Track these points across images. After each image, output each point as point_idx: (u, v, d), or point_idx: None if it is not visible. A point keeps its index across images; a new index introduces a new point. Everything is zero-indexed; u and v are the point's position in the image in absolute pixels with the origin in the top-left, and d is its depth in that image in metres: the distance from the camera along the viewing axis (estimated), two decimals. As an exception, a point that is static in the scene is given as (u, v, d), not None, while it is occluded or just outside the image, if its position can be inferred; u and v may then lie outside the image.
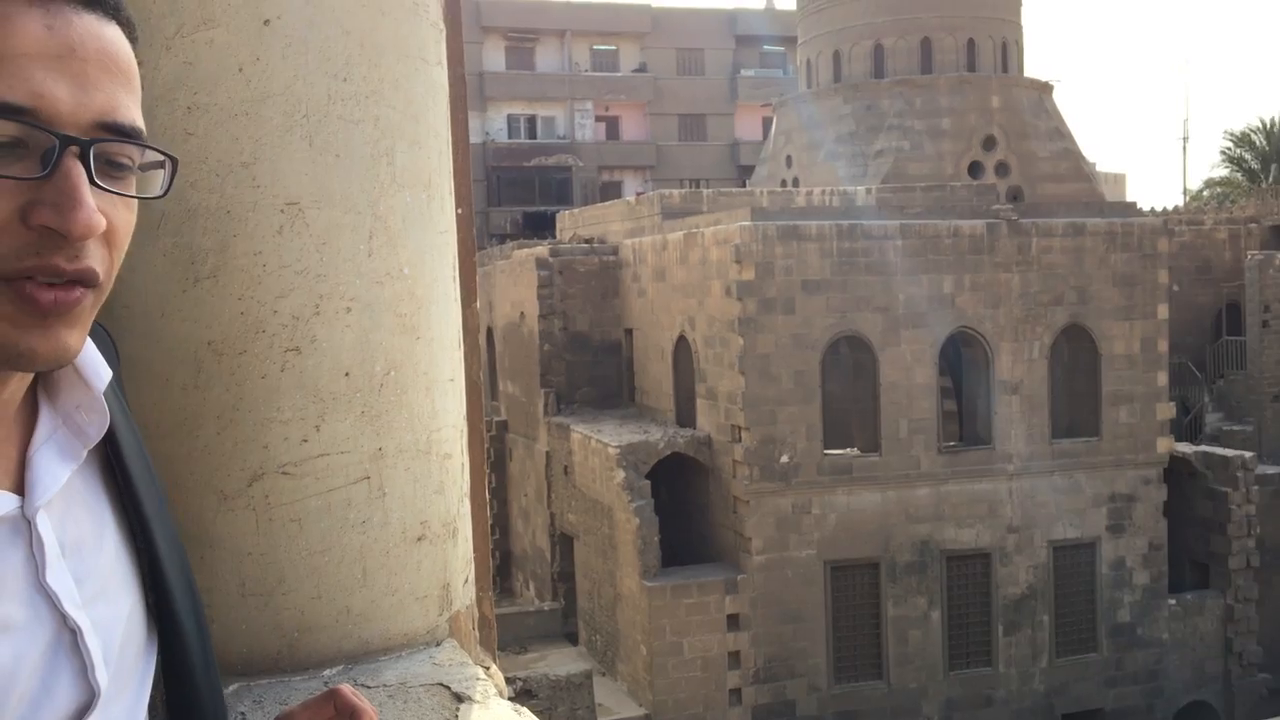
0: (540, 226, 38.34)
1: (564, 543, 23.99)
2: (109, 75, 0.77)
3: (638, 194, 31.51)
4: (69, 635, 0.82)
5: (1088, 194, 28.14)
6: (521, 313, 25.57)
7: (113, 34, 0.78)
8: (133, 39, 0.80)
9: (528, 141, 43.86)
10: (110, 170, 0.77)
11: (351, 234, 1.76)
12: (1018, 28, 31.50)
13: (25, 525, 0.81)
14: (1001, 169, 28.91)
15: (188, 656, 0.93)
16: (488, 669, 1.96)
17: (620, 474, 20.15)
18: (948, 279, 20.21)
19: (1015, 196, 27.29)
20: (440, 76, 1.93)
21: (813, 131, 30.30)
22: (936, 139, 28.95)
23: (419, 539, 1.83)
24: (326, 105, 1.73)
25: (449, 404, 1.92)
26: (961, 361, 21.39)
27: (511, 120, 43.86)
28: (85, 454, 0.86)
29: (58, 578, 0.81)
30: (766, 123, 38.99)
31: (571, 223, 29.14)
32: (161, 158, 0.82)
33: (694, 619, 19.71)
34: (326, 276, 1.75)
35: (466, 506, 1.98)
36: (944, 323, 20.19)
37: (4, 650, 0.76)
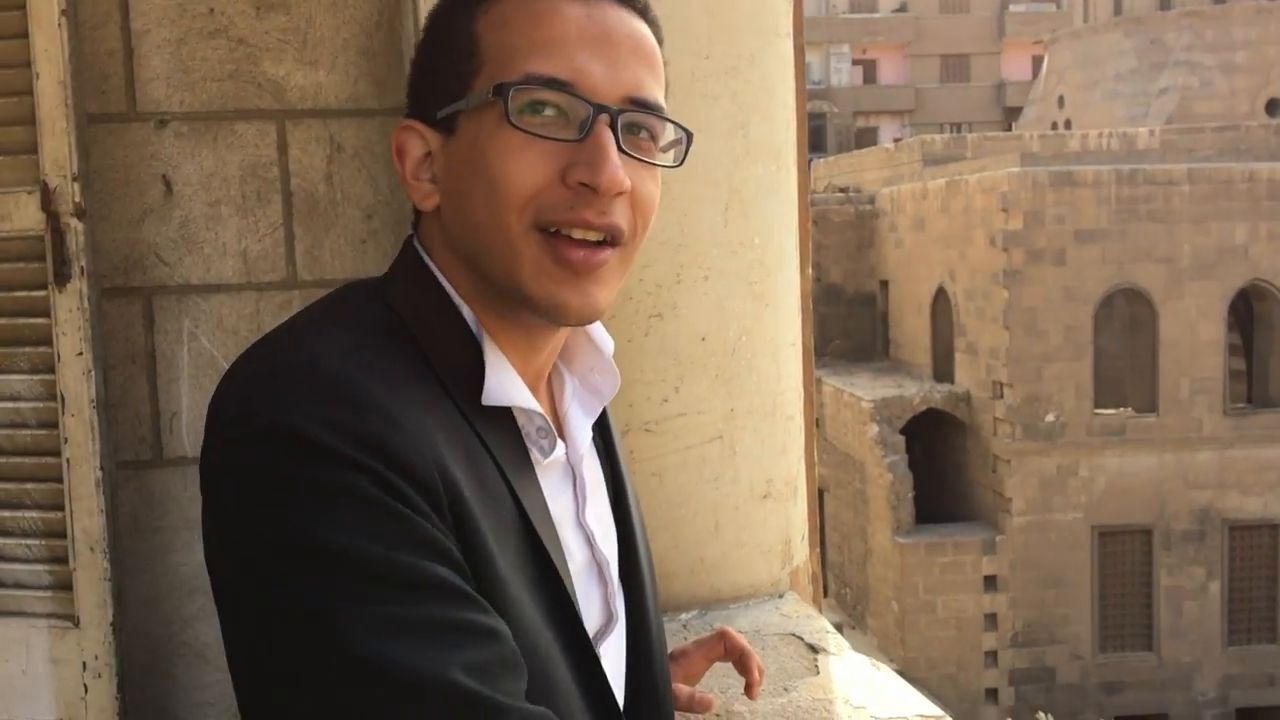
0: (793, 175, 37.91)
1: (817, 494, 23.98)
2: (636, 58, 0.87)
3: (896, 140, 30.67)
4: (596, 567, 0.95)
5: None
6: (775, 263, 25.49)
7: (641, 26, 0.89)
8: (659, 38, 0.91)
9: (781, 89, 43.33)
10: (637, 140, 0.87)
11: (710, 206, 1.85)
12: (1330, -52, 28.40)
13: (570, 470, 0.93)
14: (1305, 106, 26.32)
15: (645, 598, 1.04)
16: (820, 622, 2.05)
17: (874, 428, 19.91)
18: (1240, 228, 18.67)
19: (1321, 137, 24.77)
20: (789, 48, 1.98)
21: (1089, 69, 28.51)
22: (1229, 74, 26.64)
23: (765, 496, 1.93)
24: (690, 82, 1.83)
25: (791, 367, 2.00)
26: (1252, 317, 19.76)
27: (765, 68, 43.44)
28: (600, 410, 0.98)
29: (590, 517, 0.94)
30: (1036, 62, 37.00)
31: (826, 171, 28.73)
32: (679, 134, 0.91)
33: (948, 578, 19.32)
34: (686, 246, 1.85)
35: (804, 466, 2.06)
36: (1234, 275, 18.70)
37: (571, 569, 0.89)
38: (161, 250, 2.28)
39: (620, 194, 0.84)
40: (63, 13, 1.94)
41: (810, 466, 2.17)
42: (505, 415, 0.87)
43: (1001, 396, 19.12)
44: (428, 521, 0.75)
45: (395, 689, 0.71)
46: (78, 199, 1.98)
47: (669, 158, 0.91)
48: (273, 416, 0.75)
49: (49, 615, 2.03)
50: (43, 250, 1.98)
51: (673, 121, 0.90)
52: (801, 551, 2.04)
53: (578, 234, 0.84)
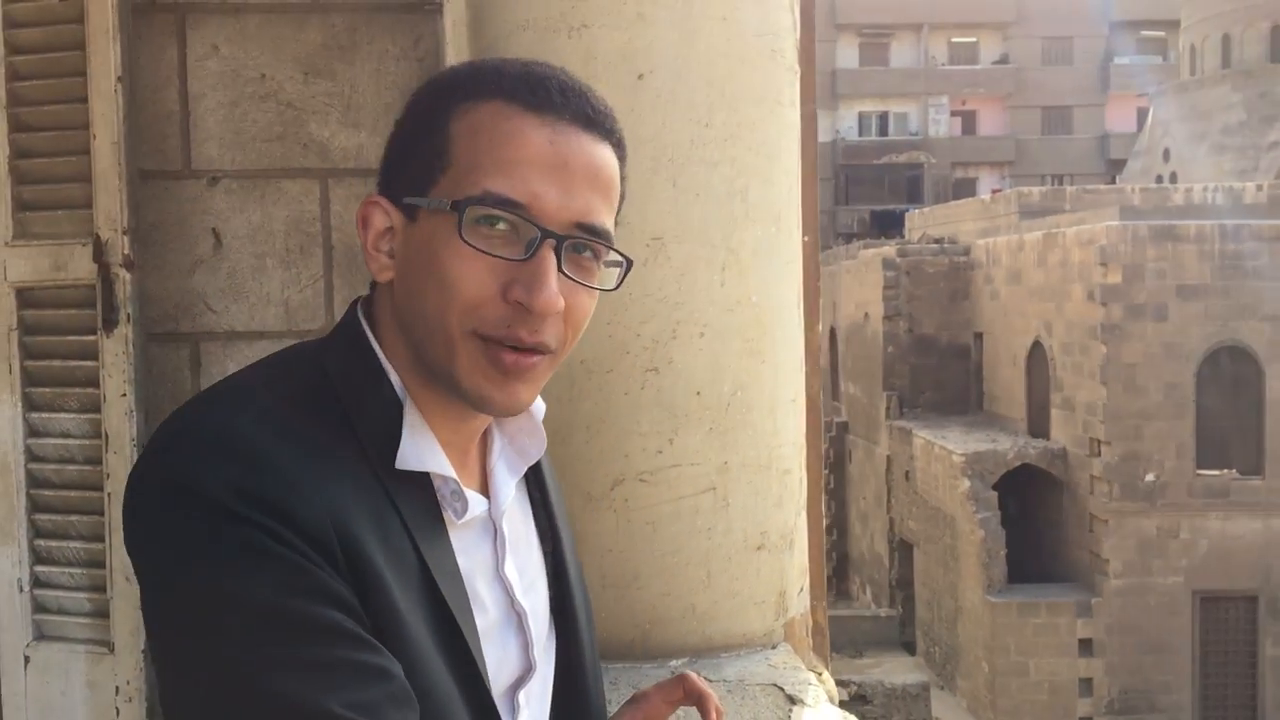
0: (888, 225, 37.73)
1: (903, 550, 23.55)
2: (591, 186, 0.93)
3: (993, 191, 30.30)
4: (515, 618, 1.00)
5: None
6: (866, 314, 25.32)
7: (603, 152, 0.94)
8: (621, 156, 0.97)
9: (878, 139, 43.25)
10: (580, 259, 0.93)
11: (706, 266, 1.93)
12: None
13: (491, 525, 1.00)
14: None
15: (580, 645, 1.09)
16: (820, 674, 2.07)
17: (965, 483, 19.52)
18: (1353, 285, 17.96)
19: None
20: (793, 116, 2.05)
21: (1195, 122, 27.86)
22: (1345, 127, 25.76)
23: (758, 548, 1.97)
24: (689, 149, 1.91)
25: (789, 422, 2.04)
26: (1368, 379, 18.92)
27: (862, 118, 43.42)
28: (525, 470, 1.05)
29: (510, 569, 1.00)
30: (1141, 114, 36.29)
31: (921, 221, 28.48)
32: (621, 259, 0.97)
33: (1041, 640, 18.75)
34: (683, 304, 1.92)
35: (803, 519, 2.09)
36: (1347, 335, 17.97)
37: (482, 621, 0.95)
38: (210, 299, 2.43)
39: (554, 314, 0.91)
40: (119, 79, 2.11)
41: (815, 520, 2.21)
42: (421, 477, 0.94)
43: (1099, 454, 18.60)
44: (320, 570, 0.82)
45: None
46: (126, 251, 2.13)
47: (610, 276, 0.97)
48: (174, 472, 0.84)
49: (87, 640, 2.16)
50: (94, 298, 2.14)
51: (616, 250, 0.96)
52: (799, 604, 2.07)
53: (508, 343, 0.91)
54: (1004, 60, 43.59)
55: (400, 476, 0.91)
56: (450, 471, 0.94)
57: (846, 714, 1.67)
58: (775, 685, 1.80)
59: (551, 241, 0.89)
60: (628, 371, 1.91)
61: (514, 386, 0.92)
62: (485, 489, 1.01)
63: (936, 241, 25.32)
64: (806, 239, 2.18)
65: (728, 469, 1.94)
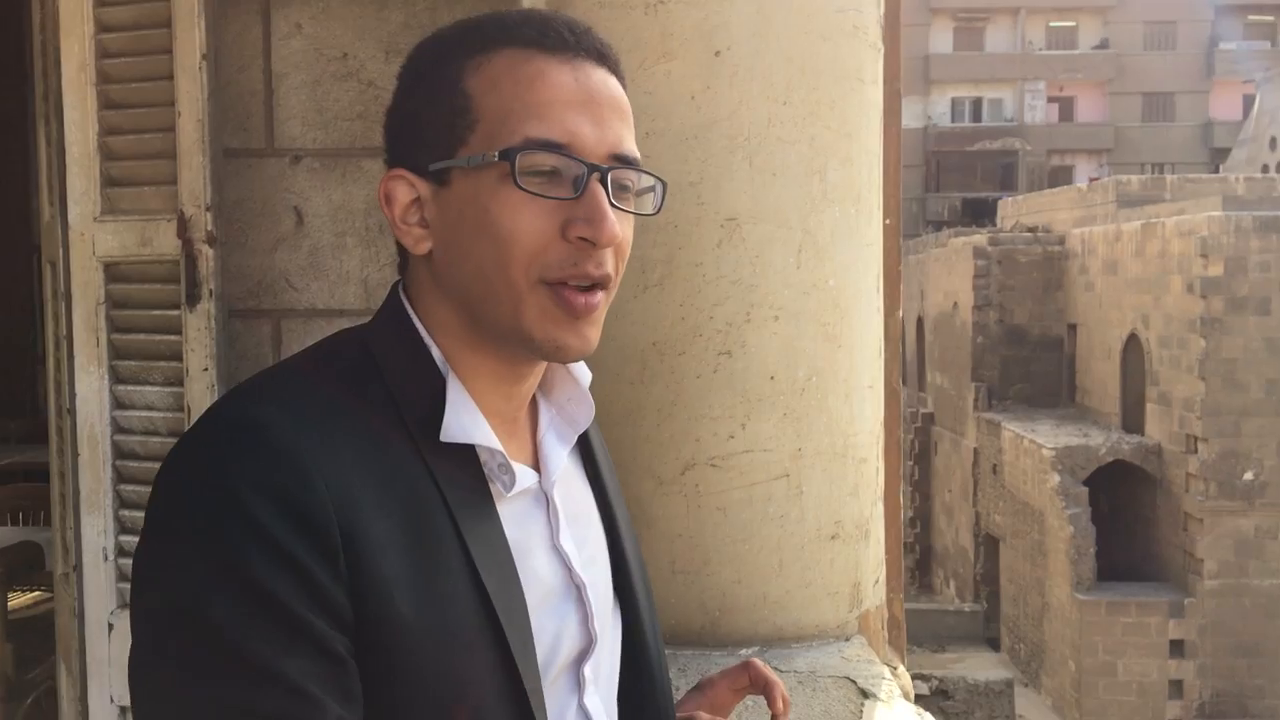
0: (980, 213, 36.95)
1: (988, 544, 23.12)
2: (617, 116, 0.94)
3: (1090, 179, 29.49)
4: (574, 590, 0.99)
5: None
6: (955, 303, 24.85)
7: (617, 84, 0.96)
8: (625, 90, 0.98)
9: (971, 125, 42.36)
10: (618, 192, 0.93)
11: (782, 247, 1.88)
12: None
13: (543, 497, 0.99)
14: None
15: (641, 623, 1.08)
16: (894, 669, 2.02)
17: (1055, 478, 19.08)
18: None
19: None
20: (875, 94, 1.99)
21: (1305, 109, 26.75)
22: None
23: (832, 537, 1.93)
24: (766, 128, 1.86)
25: (866, 410, 1.99)
26: None
27: (955, 103, 42.56)
28: (574, 439, 1.03)
29: (567, 541, 0.99)
30: (1247, 101, 34.97)
31: (1014, 210, 27.84)
32: (654, 182, 0.98)
33: (1131, 640, 18.27)
34: (757, 286, 1.88)
35: (880, 510, 2.04)
36: None
37: (536, 592, 0.94)
38: (291, 276, 2.46)
39: (615, 245, 0.92)
40: (204, 57, 2.13)
41: (893, 510, 2.15)
42: (466, 451, 0.93)
43: (1195, 451, 18.03)
44: (312, 573, 0.81)
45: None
46: (210, 227, 2.16)
47: (646, 203, 0.98)
48: (184, 459, 0.84)
49: (167, 608, 2.20)
50: (178, 274, 2.17)
51: (650, 173, 0.96)
52: (875, 596, 2.02)
53: (572, 283, 0.91)
54: (1104, 45, 42.33)
55: (444, 451, 0.91)
56: (495, 444, 0.93)
57: (921, 710, 1.62)
58: (847, 678, 1.76)
59: (597, 175, 0.90)
60: (700, 354, 1.88)
61: (584, 328, 0.92)
62: (536, 461, 1.00)
63: (1030, 230, 24.73)
64: (888, 221, 2.12)
65: (801, 456, 1.90)
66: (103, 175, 2.22)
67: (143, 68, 2.19)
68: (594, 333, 0.94)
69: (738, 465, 1.88)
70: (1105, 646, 18.36)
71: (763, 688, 1.16)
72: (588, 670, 0.99)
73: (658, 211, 0.99)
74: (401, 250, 0.98)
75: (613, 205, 0.91)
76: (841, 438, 1.93)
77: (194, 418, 2.18)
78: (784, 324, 1.88)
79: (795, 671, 1.80)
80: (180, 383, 2.19)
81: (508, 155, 0.88)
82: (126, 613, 2.27)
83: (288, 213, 2.47)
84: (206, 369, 2.17)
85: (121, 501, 2.25)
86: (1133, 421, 20.22)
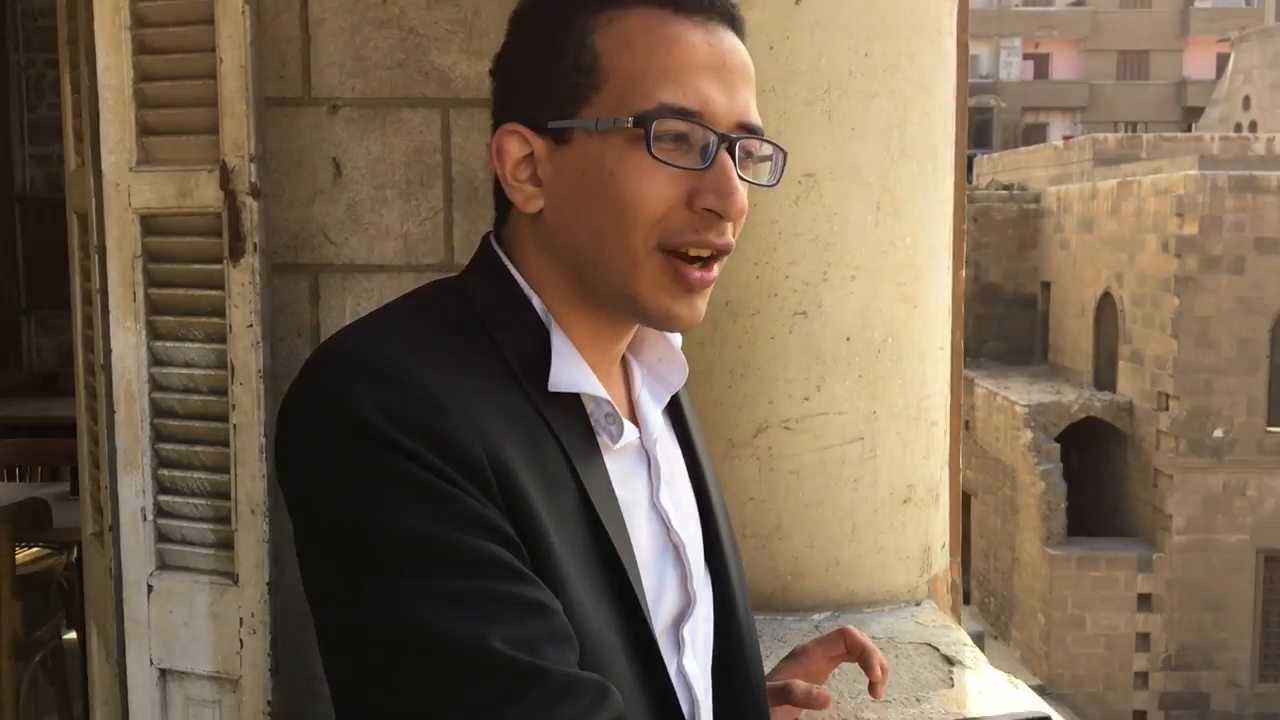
0: (955, 171, 36.90)
1: (961, 500, 23.40)
2: (746, 82, 0.91)
3: (1065, 137, 29.54)
4: (673, 549, 0.97)
5: None
6: (931, 260, 24.91)
7: (744, 48, 0.92)
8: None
9: (946, 82, 42.19)
10: (743, 160, 0.90)
11: (860, 204, 1.83)
12: None
13: (644, 453, 0.97)
14: None
15: (731, 585, 1.05)
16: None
17: (1027, 434, 19.28)
18: None
19: None
20: (951, 46, 1.94)
21: (1278, 69, 26.89)
22: None
23: (905, 501, 1.90)
24: (847, 80, 1.80)
25: (938, 371, 1.96)
26: None
27: (931, 60, 42.38)
28: (668, 398, 1.01)
29: (666, 499, 0.97)
30: (1222, 60, 35.09)
31: (989, 168, 27.89)
32: (772, 150, 0.94)
33: (1099, 594, 18.59)
34: (834, 245, 1.83)
35: (946, 473, 2.01)
36: None
37: (639, 551, 0.91)
38: (329, 230, 2.38)
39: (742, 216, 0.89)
40: (246, 1, 2.04)
41: (955, 473, 2.13)
42: (573, 401, 0.90)
43: (1166, 409, 18.26)
44: (476, 500, 0.78)
45: (439, 658, 0.74)
46: (253, 179, 2.08)
47: (763, 171, 0.95)
48: (329, 396, 0.81)
49: (211, 572, 2.15)
50: (220, 226, 2.09)
51: (774, 143, 0.94)
52: (941, 560, 2.00)
53: (693, 252, 0.88)
54: (1080, 2, 42.28)
55: (552, 400, 0.88)
56: (603, 393, 0.91)
57: (1012, 678, 1.60)
58: (929, 645, 1.73)
59: (726, 144, 0.88)
60: (775, 315, 1.83)
61: (696, 300, 0.91)
62: (632, 418, 0.98)
63: (1005, 188, 24.78)
64: (954, 178, 2.07)
65: (876, 418, 1.86)
66: (138, 123, 2.13)
67: (181, 11, 2.09)
68: (704, 305, 0.92)
69: (812, 428, 1.85)
70: (1074, 600, 18.67)
71: (859, 655, 1.15)
72: (686, 633, 0.97)
73: (777, 182, 0.96)
74: (500, 204, 0.95)
75: (740, 177, 0.88)
76: (915, 400, 1.90)
77: (237, 375, 2.11)
78: (861, 283, 1.84)
79: (874, 638, 1.77)
80: (222, 339, 2.11)
81: (642, 121, 0.85)
82: (166, 574, 2.23)
83: (325, 164, 2.38)
84: (251, 325, 2.09)
85: (160, 460, 2.18)
86: (1105, 379, 20.43)
